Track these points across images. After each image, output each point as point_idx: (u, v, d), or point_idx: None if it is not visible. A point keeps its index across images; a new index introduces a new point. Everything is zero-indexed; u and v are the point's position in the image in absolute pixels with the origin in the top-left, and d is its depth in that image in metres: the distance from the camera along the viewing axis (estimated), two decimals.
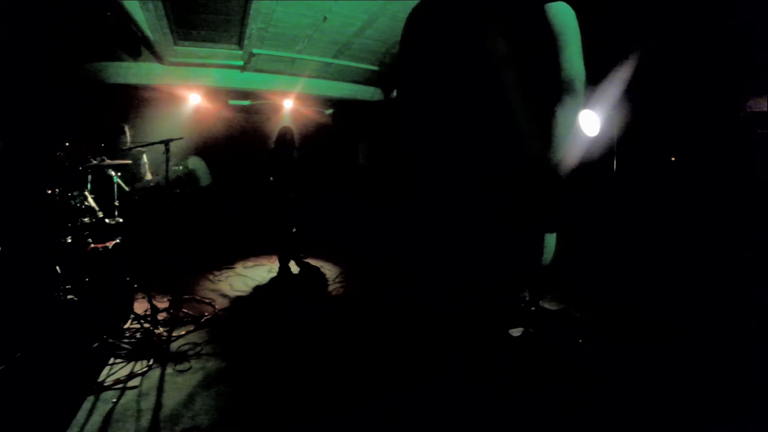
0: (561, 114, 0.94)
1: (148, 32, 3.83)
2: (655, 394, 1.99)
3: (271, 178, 4.24)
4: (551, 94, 0.94)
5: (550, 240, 0.99)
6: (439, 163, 1.06)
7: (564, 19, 0.94)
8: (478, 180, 1.00)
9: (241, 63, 4.90)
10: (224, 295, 3.72)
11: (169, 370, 2.28)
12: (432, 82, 1.08)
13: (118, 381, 2.12)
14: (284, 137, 4.26)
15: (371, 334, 2.82)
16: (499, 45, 0.95)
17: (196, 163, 5.46)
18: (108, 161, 2.99)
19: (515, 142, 0.95)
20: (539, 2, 0.95)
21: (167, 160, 3.09)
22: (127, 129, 3.76)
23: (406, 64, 1.17)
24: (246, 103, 6.25)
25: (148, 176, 3.16)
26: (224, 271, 4.64)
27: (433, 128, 1.07)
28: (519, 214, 0.96)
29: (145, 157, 3.75)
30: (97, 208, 2.81)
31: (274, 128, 6.66)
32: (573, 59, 0.93)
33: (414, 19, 1.14)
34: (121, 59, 4.52)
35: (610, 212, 3.97)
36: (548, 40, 0.94)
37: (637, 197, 3.91)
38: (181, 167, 3.60)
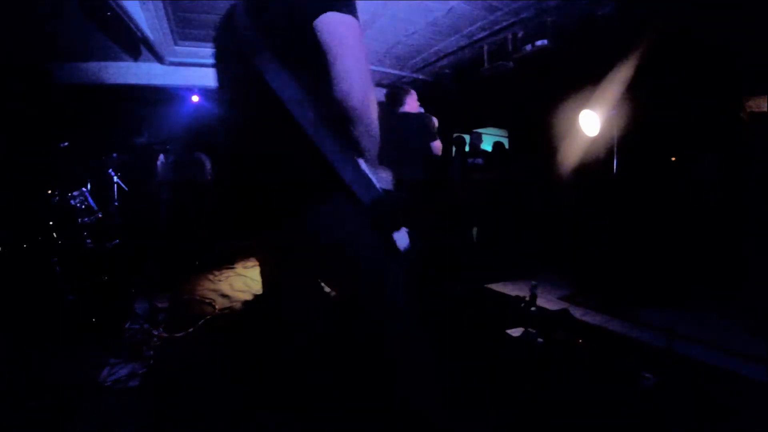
0: (346, 132, 0.91)
1: (148, 32, 3.83)
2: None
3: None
4: (334, 112, 0.89)
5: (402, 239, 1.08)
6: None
7: (334, 29, 0.86)
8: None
9: None
10: (224, 295, 3.71)
11: (168, 370, 2.28)
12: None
13: (118, 381, 2.12)
14: None
15: (368, 335, 2.82)
16: (273, 68, 0.92)
17: (201, 160, 5.44)
18: (108, 161, 3.00)
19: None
20: (309, 20, 0.86)
21: (166, 160, 3.10)
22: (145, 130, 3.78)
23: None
24: None
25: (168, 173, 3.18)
26: (224, 271, 4.63)
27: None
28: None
29: (162, 156, 3.74)
30: (97, 208, 2.82)
31: None
32: (346, 73, 0.85)
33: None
34: (121, 59, 4.52)
35: (611, 212, 3.98)
36: (319, 57, 0.87)
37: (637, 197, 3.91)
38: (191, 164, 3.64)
